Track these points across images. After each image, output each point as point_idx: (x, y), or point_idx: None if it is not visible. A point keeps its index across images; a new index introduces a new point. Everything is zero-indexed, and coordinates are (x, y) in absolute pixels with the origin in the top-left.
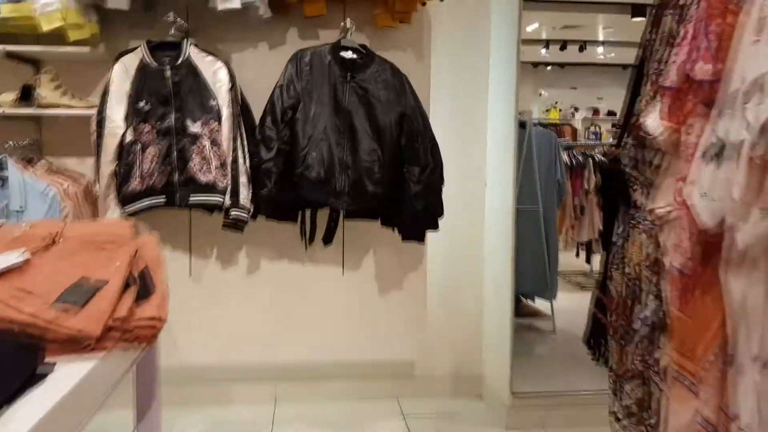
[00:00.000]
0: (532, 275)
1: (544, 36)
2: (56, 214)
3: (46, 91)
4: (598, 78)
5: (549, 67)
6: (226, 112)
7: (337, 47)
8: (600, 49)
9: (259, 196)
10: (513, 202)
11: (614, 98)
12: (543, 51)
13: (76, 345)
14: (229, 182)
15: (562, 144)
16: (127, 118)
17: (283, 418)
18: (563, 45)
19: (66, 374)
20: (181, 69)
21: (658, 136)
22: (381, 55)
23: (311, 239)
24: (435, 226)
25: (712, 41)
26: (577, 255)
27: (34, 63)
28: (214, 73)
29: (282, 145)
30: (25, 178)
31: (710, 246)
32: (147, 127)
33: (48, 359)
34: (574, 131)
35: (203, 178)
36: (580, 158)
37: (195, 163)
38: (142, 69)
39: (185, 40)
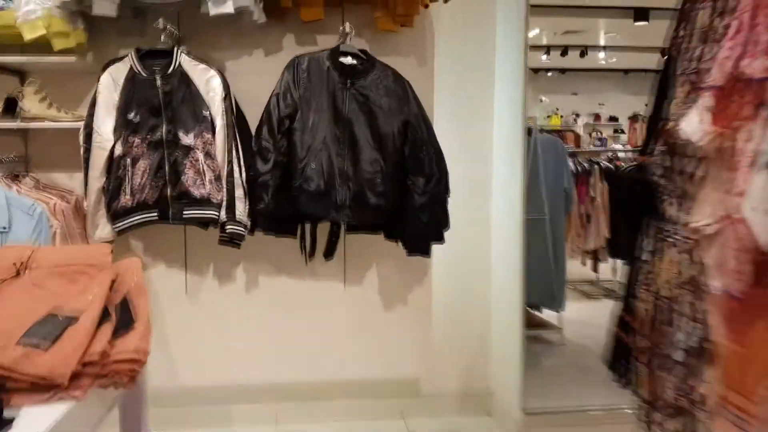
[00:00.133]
0: (539, 285)
1: (544, 42)
2: (43, 233)
3: (30, 103)
4: (600, 83)
5: (549, 73)
6: (220, 123)
7: (336, 53)
8: (601, 54)
9: (255, 211)
10: (522, 211)
11: (616, 103)
12: (543, 57)
13: (44, 390)
14: (225, 196)
15: (566, 151)
16: (116, 130)
17: None
18: (564, 50)
19: (33, 422)
20: (172, 78)
21: (698, 142)
22: (382, 60)
23: (311, 253)
24: (441, 239)
25: (763, 34)
26: (584, 263)
27: (20, 74)
28: (207, 82)
29: (279, 157)
30: (9, 195)
31: (764, 265)
32: (137, 140)
33: (12, 407)
34: (577, 137)
35: (197, 191)
36: (586, 165)
37: (188, 176)
38: (132, 78)
39: (176, 47)
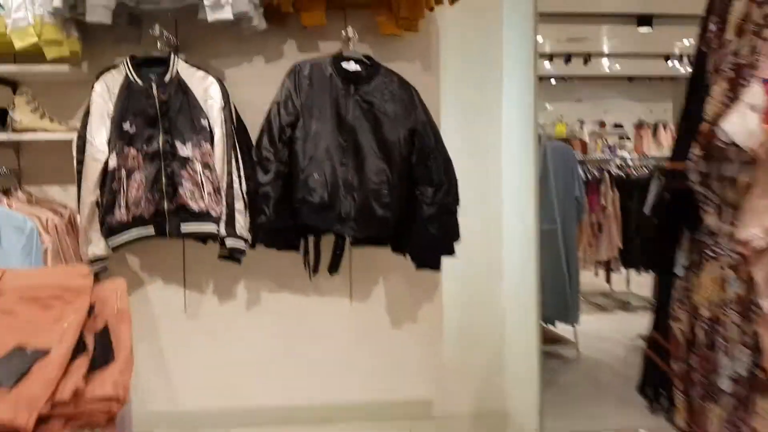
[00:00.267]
0: (552, 299)
1: (548, 49)
2: (34, 250)
3: (21, 115)
4: (604, 90)
5: (553, 81)
6: (218, 133)
7: (338, 58)
8: (605, 61)
9: (256, 224)
10: (536, 222)
11: (620, 110)
12: (547, 64)
13: None
14: (224, 209)
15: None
16: (110, 141)
17: None
18: (567, 58)
19: None
20: (169, 87)
21: (743, 144)
22: (386, 65)
23: (316, 268)
24: (451, 251)
25: None
26: (596, 274)
27: (12, 84)
28: (206, 90)
29: (281, 167)
30: None
31: None
32: (133, 151)
33: None
34: (584, 145)
35: (195, 205)
36: (596, 173)
37: (186, 188)
38: (127, 87)
39: (173, 55)
